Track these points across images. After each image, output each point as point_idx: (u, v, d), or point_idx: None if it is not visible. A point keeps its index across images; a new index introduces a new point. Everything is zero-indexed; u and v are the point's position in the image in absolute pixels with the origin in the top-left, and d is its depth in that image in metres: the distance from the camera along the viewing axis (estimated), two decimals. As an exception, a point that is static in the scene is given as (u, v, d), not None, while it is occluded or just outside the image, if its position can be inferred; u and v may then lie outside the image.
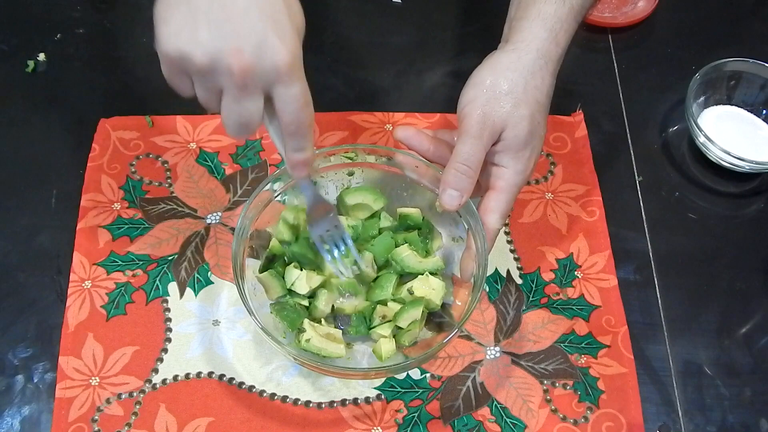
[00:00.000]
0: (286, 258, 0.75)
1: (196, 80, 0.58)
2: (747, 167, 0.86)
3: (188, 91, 0.60)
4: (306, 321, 0.72)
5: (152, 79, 0.92)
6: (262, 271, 0.74)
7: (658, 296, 0.81)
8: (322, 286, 0.74)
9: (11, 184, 0.85)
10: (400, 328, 0.73)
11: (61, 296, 0.77)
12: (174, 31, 0.56)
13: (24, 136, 0.88)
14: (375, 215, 0.78)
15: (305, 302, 0.74)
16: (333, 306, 0.74)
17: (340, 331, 0.73)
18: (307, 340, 0.70)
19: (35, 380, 0.73)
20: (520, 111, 0.69)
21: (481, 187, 0.72)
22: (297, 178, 0.67)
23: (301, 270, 0.74)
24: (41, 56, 0.93)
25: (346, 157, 0.77)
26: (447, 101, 0.92)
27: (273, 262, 0.75)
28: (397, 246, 0.75)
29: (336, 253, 0.72)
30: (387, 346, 0.72)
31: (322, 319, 0.74)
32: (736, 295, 0.81)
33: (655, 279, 0.82)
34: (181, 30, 0.55)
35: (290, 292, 0.73)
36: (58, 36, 0.95)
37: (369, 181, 0.79)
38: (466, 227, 0.74)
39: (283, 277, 0.74)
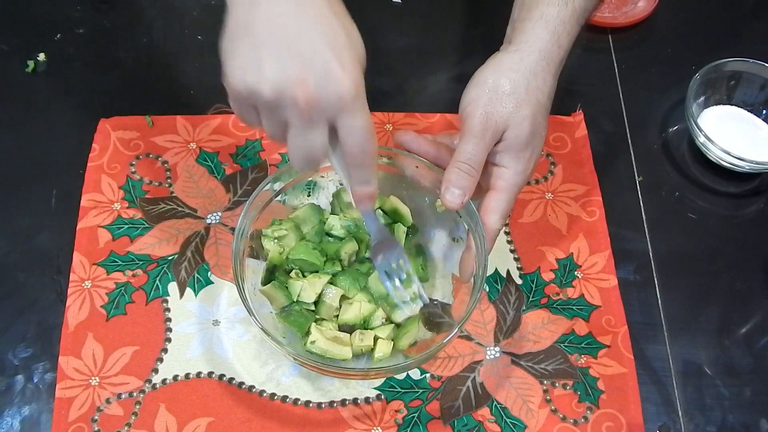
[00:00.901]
0: (286, 267, 0.76)
1: (264, 114, 0.59)
2: (747, 167, 0.86)
3: (257, 124, 0.60)
4: (314, 325, 0.72)
5: (152, 79, 0.93)
6: (264, 283, 0.74)
7: (658, 296, 0.81)
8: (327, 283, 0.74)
9: (11, 184, 0.85)
10: (398, 325, 0.73)
11: (61, 296, 0.77)
12: (240, 66, 0.56)
13: (24, 136, 0.88)
14: None
15: (311, 306, 0.74)
16: (337, 310, 0.74)
17: (348, 334, 0.73)
18: (312, 342, 0.70)
19: (35, 380, 0.73)
20: (522, 111, 0.69)
21: (481, 189, 0.72)
22: (362, 212, 0.68)
23: (303, 276, 0.74)
24: (41, 56, 0.93)
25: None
26: (448, 102, 0.92)
27: (274, 273, 0.75)
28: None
29: (399, 285, 0.71)
30: (383, 347, 0.72)
31: (330, 322, 0.74)
32: (736, 295, 0.81)
33: (655, 279, 0.82)
34: (248, 65, 0.56)
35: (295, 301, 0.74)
36: (58, 36, 0.95)
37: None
38: (466, 227, 0.74)
39: (287, 287, 0.74)
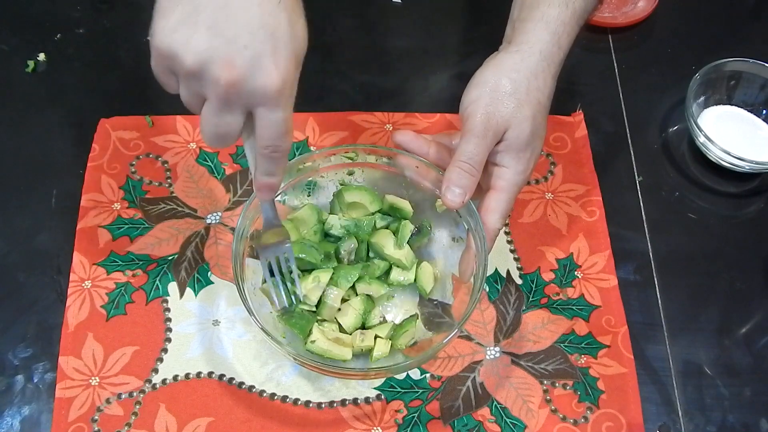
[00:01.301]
0: None
1: (182, 81, 0.57)
2: (747, 167, 0.86)
3: (173, 89, 0.58)
4: (314, 325, 0.72)
5: (152, 79, 0.92)
6: (265, 282, 0.74)
7: (658, 296, 0.81)
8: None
9: (11, 184, 0.85)
10: (398, 326, 0.73)
11: (61, 296, 0.77)
12: (171, 26, 0.54)
13: (24, 136, 0.88)
14: (372, 214, 0.79)
15: (313, 308, 0.74)
16: (339, 311, 0.75)
17: (349, 335, 0.74)
18: (313, 342, 0.70)
19: (35, 380, 0.73)
20: (523, 112, 0.69)
21: (481, 189, 0.72)
22: (260, 200, 0.67)
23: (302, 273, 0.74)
24: (41, 56, 0.93)
25: (347, 157, 0.77)
26: (448, 102, 0.92)
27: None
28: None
29: (279, 281, 0.72)
30: (382, 347, 0.72)
31: (331, 323, 0.74)
32: (736, 295, 0.81)
33: (655, 279, 0.82)
34: (178, 28, 0.54)
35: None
36: (58, 36, 0.95)
37: (369, 181, 0.79)
38: (466, 227, 0.74)
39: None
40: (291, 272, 0.72)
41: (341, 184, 0.79)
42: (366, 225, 0.77)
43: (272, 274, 0.72)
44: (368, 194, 0.78)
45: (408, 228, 0.76)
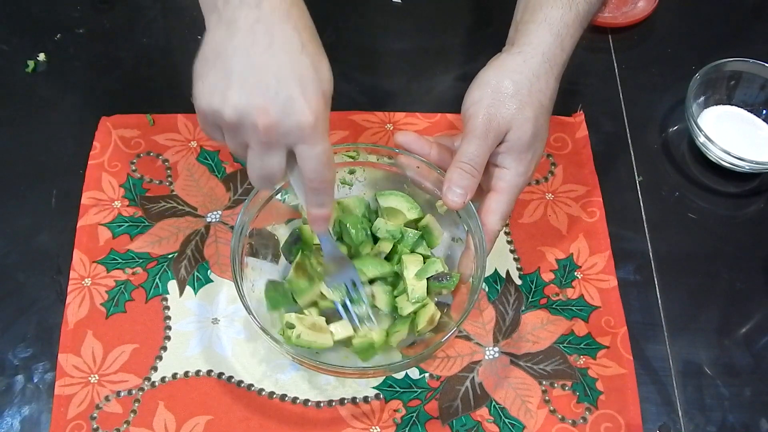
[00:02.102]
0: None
1: (226, 133, 0.61)
2: (747, 167, 0.85)
3: (221, 141, 0.63)
4: (293, 315, 0.72)
5: (152, 79, 0.93)
6: (285, 248, 0.76)
7: (658, 296, 0.81)
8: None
9: (11, 184, 0.85)
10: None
11: (61, 296, 0.77)
12: (208, 89, 0.59)
13: (24, 136, 0.88)
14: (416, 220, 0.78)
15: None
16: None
17: (324, 318, 0.73)
18: (298, 336, 0.70)
19: (35, 380, 0.73)
20: (525, 113, 0.69)
21: (482, 190, 0.72)
22: (316, 232, 0.70)
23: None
24: (41, 56, 0.93)
25: (348, 156, 0.77)
26: (448, 102, 0.92)
27: (298, 243, 0.76)
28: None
29: (350, 307, 0.73)
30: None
31: (312, 308, 0.74)
32: (736, 295, 0.81)
33: (655, 279, 0.82)
34: (215, 88, 0.59)
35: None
36: (58, 36, 0.95)
37: (370, 181, 0.79)
38: (466, 229, 0.74)
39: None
40: (359, 296, 0.73)
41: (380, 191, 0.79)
42: (410, 239, 0.77)
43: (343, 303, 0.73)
44: (406, 201, 0.78)
45: (434, 267, 0.74)
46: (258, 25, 0.58)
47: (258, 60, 0.58)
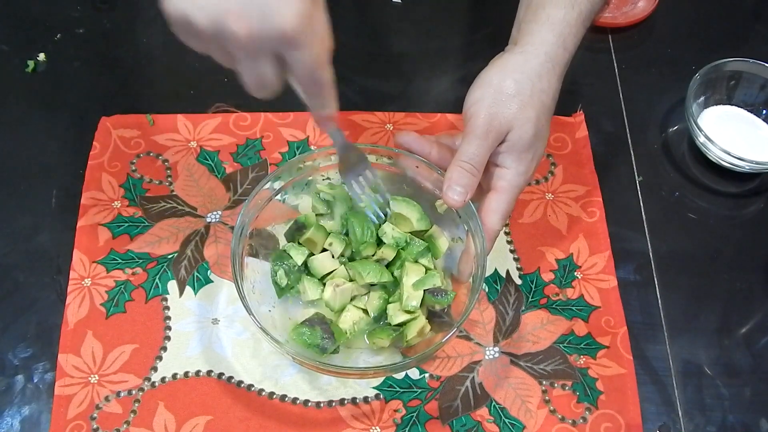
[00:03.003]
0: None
1: (206, 42, 0.56)
2: (747, 167, 0.85)
3: (202, 50, 0.57)
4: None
5: (152, 79, 0.93)
6: (288, 234, 0.76)
7: (658, 296, 0.81)
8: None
9: (11, 184, 0.85)
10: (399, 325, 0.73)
11: (61, 296, 0.77)
12: None
13: (24, 136, 0.88)
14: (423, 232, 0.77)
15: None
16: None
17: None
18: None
19: (35, 380, 0.73)
20: (527, 113, 0.69)
21: (482, 190, 0.72)
22: (325, 131, 0.68)
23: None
24: (41, 56, 0.93)
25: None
26: (449, 103, 0.92)
27: (301, 231, 0.75)
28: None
29: (368, 197, 0.73)
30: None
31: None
32: (736, 295, 0.81)
33: (655, 279, 0.82)
34: None
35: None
36: (58, 36, 0.95)
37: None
38: (466, 228, 0.74)
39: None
40: (377, 186, 0.74)
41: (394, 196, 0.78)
42: (415, 248, 0.75)
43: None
44: (417, 211, 0.76)
45: (432, 280, 0.73)
46: None
47: None
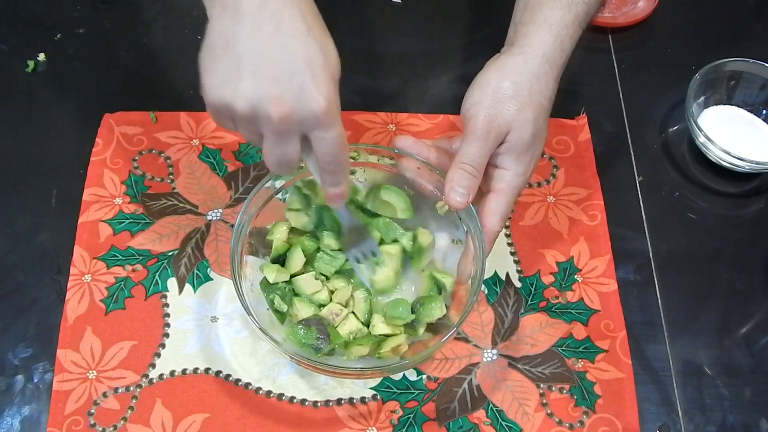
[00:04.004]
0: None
1: (239, 124, 0.61)
2: (747, 167, 0.85)
3: (233, 130, 0.63)
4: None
5: (152, 79, 0.93)
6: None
7: (658, 296, 0.80)
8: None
9: (11, 183, 0.85)
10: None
11: (61, 296, 0.77)
12: (218, 82, 0.59)
13: (24, 136, 0.88)
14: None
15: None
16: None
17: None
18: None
19: (35, 380, 0.73)
20: (525, 114, 0.69)
21: (481, 192, 0.72)
22: (334, 209, 0.72)
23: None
24: (41, 56, 0.93)
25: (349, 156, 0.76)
26: (450, 103, 0.92)
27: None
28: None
29: (369, 269, 0.75)
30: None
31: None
32: (736, 295, 0.81)
33: (655, 279, 0.81)
34: (225, 81, 0.58)
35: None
36: (58, 36, 0.96)
37: (370, 181, 0.79)
38: (466, 230, 0.74)
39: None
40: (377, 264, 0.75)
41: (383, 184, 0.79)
42: (391, 232, 0.77)
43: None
44: (403, 201, 0.77)
45: (434, 310, 0.73)
46: (263, 10, 0.58)
47: (267, 48, 0.58)
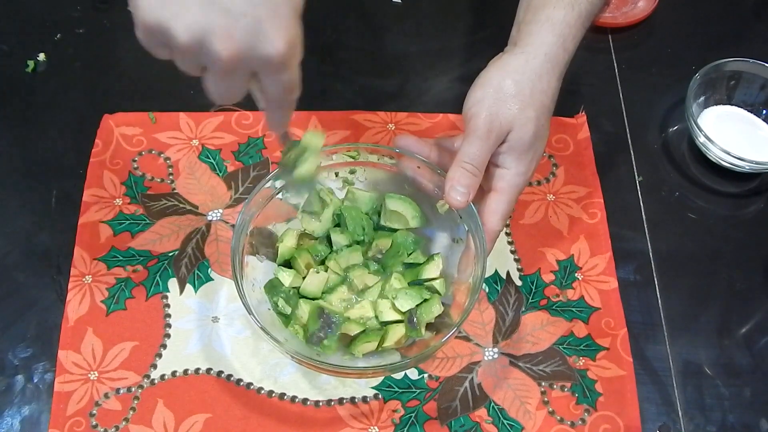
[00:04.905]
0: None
1: (177, 54, 0.53)
2: (747, 167, 0.85)
3: (165, 57, 0.54)
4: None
5: (152, 80, 0.93)
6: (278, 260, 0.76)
7: (658, 296, 0.80)
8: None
9: (11, 184, 0.85)
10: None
11: (61, 296, 0.77)
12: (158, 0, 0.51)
13: (24, 136, 0.88)
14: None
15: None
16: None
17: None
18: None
19: (35, 380, 0.73)
20: (527, 113, 0.69)
21: (482, 191, 0.72)
22: (274, 132, 0.67)
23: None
24: (41, 56, 0.93)
25: (349, 156, 0.77)
26: (450, 103, 0.92)
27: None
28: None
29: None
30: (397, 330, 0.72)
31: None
32: (736, 295, 0.81)
33: (655, 279, 0.82)
34: (167, 1, 0.50)
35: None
36: (58, 36, 0.95)
37: (371, 181, 0.79)
38: (466, 229, 0.74)
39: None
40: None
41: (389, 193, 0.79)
42: (405, 245, 0.76)
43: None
44: (412, 208, 0.77)
45: (433, 308, 0.73)
46: None
47: None
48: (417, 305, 0.73)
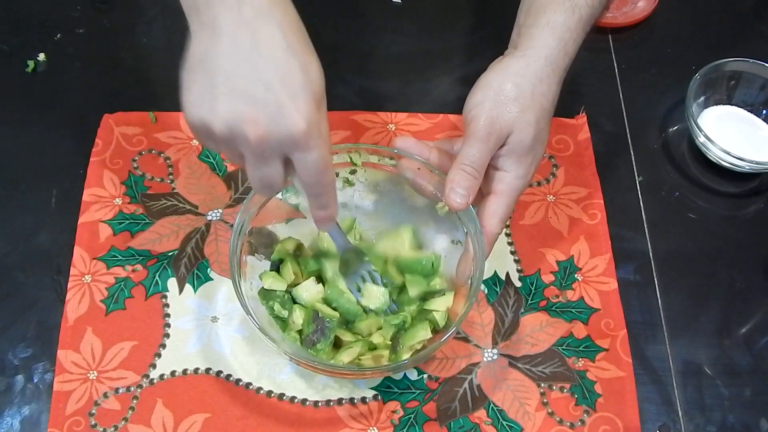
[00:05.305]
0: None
1: (220, 145, 0.60)
2: (747, 167, 0.85)
3: (216, 150, 0.63)
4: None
5: (152, 80, 0.93)
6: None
7: (658, 296, 0.80)
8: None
9: (11, 183, 0.85)
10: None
11: (60, 296, 0.77)
12: (195, 100, 0.58)
13: (24, 136, 0.88)
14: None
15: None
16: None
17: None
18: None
19: (35, 380, 0.73)
20: (527, 116, 0.69)
21: (481, 194, 0.72)
22: (325, 230, 0.71)
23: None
24: (41, 56, 0.93)
25: (349, 156, 0.77)
26: (450, 103, 0.92)
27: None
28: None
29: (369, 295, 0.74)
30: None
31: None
32: (736, 295, 0.81)
33: (655, 279, 0.81)
34: (202, 100, 0.57)
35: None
36: (58, 36, 0.95)
37: (371, 182, 0.79)
38: (465, 231, 0.74)
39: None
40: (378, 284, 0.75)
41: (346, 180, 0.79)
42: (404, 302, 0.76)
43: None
44: (407, 236, 0.77)
45: (419, 333, 0.72)
46: (241, 28, 0.56)
47: (243, 66, 0.56)
48: (403, 330, 0.73)
